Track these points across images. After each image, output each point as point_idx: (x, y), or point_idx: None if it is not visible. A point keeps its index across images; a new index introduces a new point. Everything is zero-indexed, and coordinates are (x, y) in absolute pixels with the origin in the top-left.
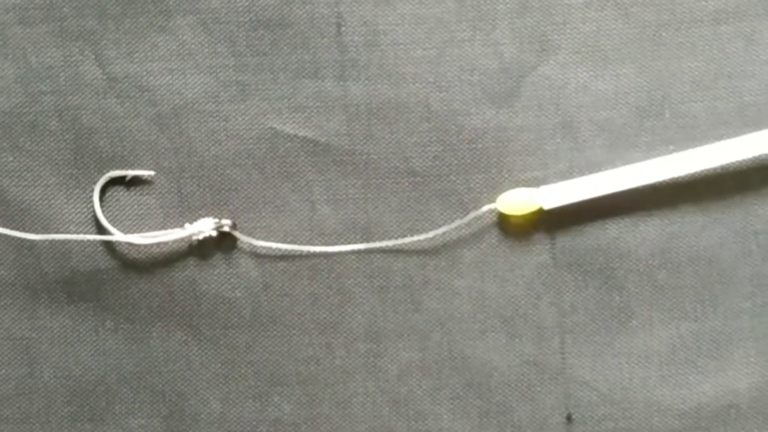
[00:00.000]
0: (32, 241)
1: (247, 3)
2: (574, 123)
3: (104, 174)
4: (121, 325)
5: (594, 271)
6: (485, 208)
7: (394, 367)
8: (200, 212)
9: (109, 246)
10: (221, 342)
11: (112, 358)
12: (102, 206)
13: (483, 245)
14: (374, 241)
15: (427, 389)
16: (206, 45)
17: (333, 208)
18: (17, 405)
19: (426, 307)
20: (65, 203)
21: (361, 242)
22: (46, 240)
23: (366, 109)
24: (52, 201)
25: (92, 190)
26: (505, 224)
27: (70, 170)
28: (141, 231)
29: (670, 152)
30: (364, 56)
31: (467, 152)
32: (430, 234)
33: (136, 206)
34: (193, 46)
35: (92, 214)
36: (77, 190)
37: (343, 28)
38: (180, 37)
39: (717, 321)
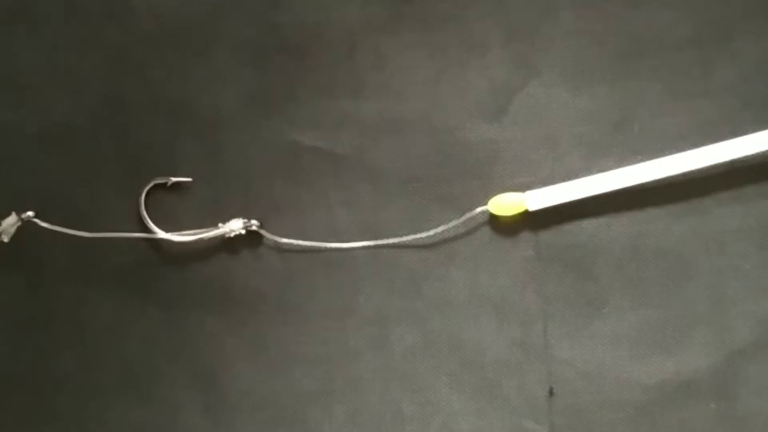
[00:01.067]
0: (87, 238)
1: (273, 33)
2: (556, 136)
3: (149, 180)
4: (163, 312)
5: (572, 265)
6: (478, 209)
7: (399, 347)
8: (231, 213)
9: (152, 243)
10: (249, 325)
11: (155, 341)
12: (146, 208)
13: (476, 242)
14: (382, 238)
15: (427, 367)
16: (238, 69)
17: (346, 210)
18: (71, 379)
19: (427, 295)
20: (115, 205)
21: (371, 239)
22: (99, 237)
23: (375, 124)
24: (105, 203)
25: (139, 195)
26: (495, 224)
27: (120, 177)
28: (180, 230)
29: (639, 161)
30: (373, 78)
31: (463, 161)
32: (431, 232)
33: (175, 208)
34: (227, 69)
35: (138, 214)
36: (126, 194)
37: (356, 54)
38: (216, 62)
39: (679, 308)
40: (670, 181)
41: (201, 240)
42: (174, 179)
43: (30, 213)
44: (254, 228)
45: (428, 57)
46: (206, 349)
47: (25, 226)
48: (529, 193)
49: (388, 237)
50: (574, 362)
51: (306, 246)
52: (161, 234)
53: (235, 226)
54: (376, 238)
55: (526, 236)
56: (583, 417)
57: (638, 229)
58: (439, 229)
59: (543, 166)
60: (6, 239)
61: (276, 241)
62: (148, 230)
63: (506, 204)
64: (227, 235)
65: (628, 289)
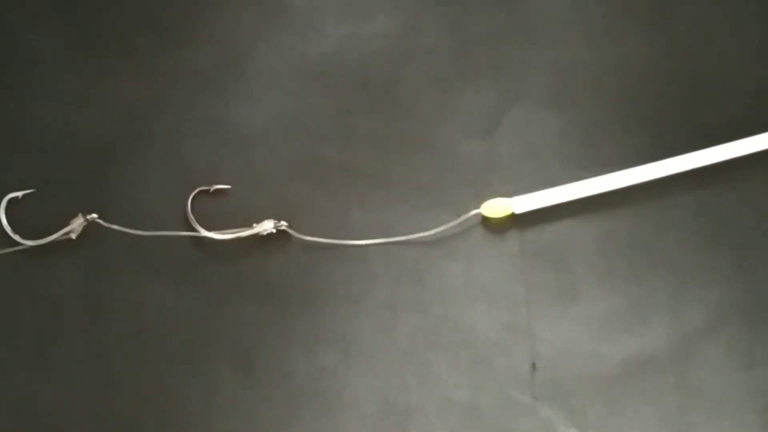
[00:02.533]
0: (142, 236)
1: (299, 63)
2: (537, 151)
3: (194, 187)
4: (206, 298)
5: (552, 259)
6: (472, 212)
7: (405, 329)
8: (264, 215)
9: (197, 240)
10: (279, 310)
11: (199, 322)
12: (192, 211)
13: (470, 240)
14: (391, 236)
15: (429, 345)
16: (270, 92)
17: (361, 212)
18: (129, 356)
19: (429, 284)
20: (166, 208)
21: (381, 237)
22: (152, 235)
23: (386, 140)
24: (157, 207)
25: (186, 199)
26: (486, 224)
27: (170, 185)
28: (220, 229)
29: (607, 172)
30: (384, 101)
31: (459, 171)
32: (432, 231)
33: (216, 211)
34: (260, 93)
35: (185, 216)
36: (175, 199)
37: (369, 81)
38: (251, 86)
39: (642, 295)
40: (633, 188)
41: (238, 238)
42: (215, 186)
43: (94, 215)
44: (283, 227)
45: (430, 84)
46: (242, 330)
47: (90, 226)
48: (515, 198)
49: (396, 235)
50: (553, 341)
51: (327, 243)
52: (204, 233)
53: (267, 226)
54: (386, 236)
55: (512, 235)
56: (561, 388)
57: (607, 229)
58: (439, 229)
59: (527, 175)
60: (74, 236)
61: (302, 239)
62: (194, 229)
63: (496, 207)
64: (260, 234)
65: (598, 280)
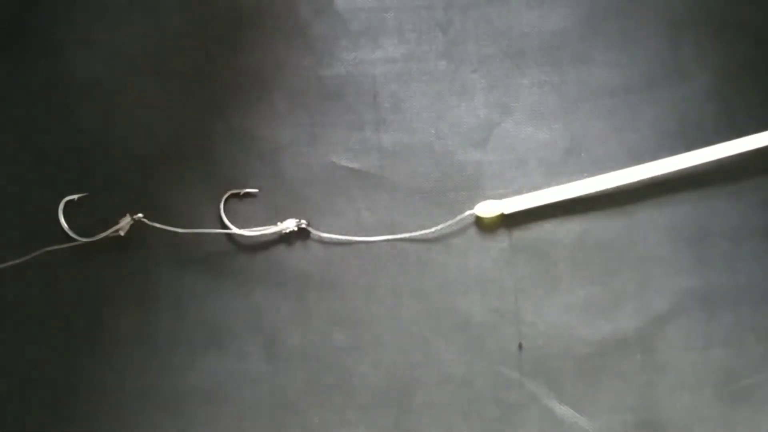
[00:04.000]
0: (181, 233)
1: (317, 84)
2: (524, 160)
3: (226, 191)
4: (237, 287)
5: (536, 253)
6: (467, 213)
7: (409, 313)
8: (286, 215)
9: (229, 237)
10: (299, 297)
11: (230, 307)
12: (225, 211)
13: (466, 236)
14: (397, 233)
15: (430, 328)
16: (292, 110)
17: (371, 213)
18: (170, 337)
19: (429, 275)
20: (202, 209)
21: (389, 234)
22: (190, 232)
23: (392, 150)
24: (194, 208)
25: (219, 201)
26: (480, 223)
27: (205, 189)
28: (249, 227)
29: (584, 178)
30: (390, 116)
31: (456, 177)
32: (432, 229)
33: (246, 211)
34: (282, 110)
35: (219, 215)
36: (210, 201)
37: (378, 99)
38: (275, 104)
39: (614, 285)
40: (607, 192)
41: (264, 234)
42: (245, 190)
43: (140, 214)
44: (303, 226)
45: (431, 101)
46: (268, 315)
47: (136, 224)
48: (504, 200)
49: (400, 232)
50: (537, 325)
51: (341, 239)
52: (235, 230)
53: (289, 225)
54: (392, 233)
55: (502, 232)
56: (544, 364)
57: (584, 228)
58: (438, 227)
59: (515, 181)
60: (122, 234)
61: (319, 236)
62: (226, 227)
63: (488, 209)
64: (284, 231)
65: (576, 272)
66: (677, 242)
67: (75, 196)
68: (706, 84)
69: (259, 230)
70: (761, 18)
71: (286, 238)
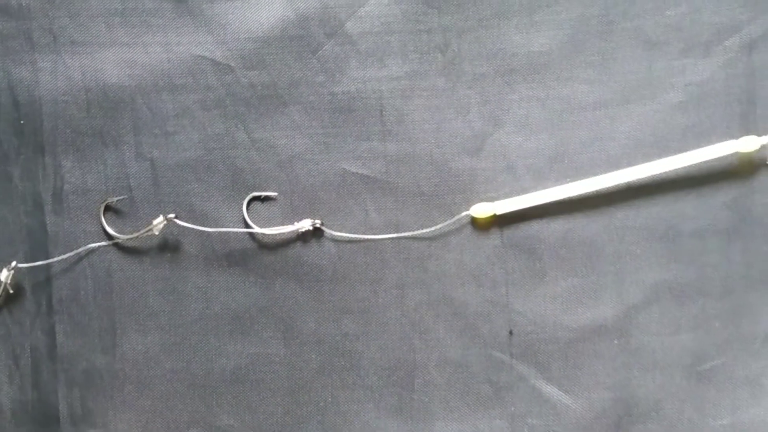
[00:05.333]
0: (209, 232)
1: (330, 99)
2: (514, 166)
3: (248, 194)
4: (258, 280)
5: (525, 249)
6: (463, 213)
7: (412, 303)
8: (302, 216)
9: (251, 235)
10: (314, 289)
11: (252, 298)
12: (248, 212)
13: (462, 235)
14: (401, 232)
15: (430, 316)
16: (305, 122)
17: (378, 214)
18: (199, 325)
19: (430, 269)
20: (227, 211)
21: (393, 233)
22: (217, 231)
23: (396, 158)
24: (221, 210)
25: (242, 203)
26: (474, 223)
27: (230, 193)
28: (269, 226)
29: (567, 182)
30: (395, 128)
31: (453, 182)
32: (432, 228)
33: (266, 212)
34: (298, 121)
35: (242, 216)
36: (234, 204)
37: (383, 112)
38: (291, 116)
39: (594, 278)
40: (588, 195)
41: (282, 233)
42: (265, 194)
43: (172, 215)
44: (318, 225)
45: (431, 114)
46: (286, 304)
47: (169, 224)
48: (496, 203)
49: (404, 231)
50: (525, 313)
51: (351, 237)
52: (257, 229)
53: (305, 224)
54: (397, 232)
55: (494, 231)
56: (531, 348)
57: (567, 227)
58: (438, 227)
59: (506, 185)
60: (156, 233)
61: (332, 234)
62: (249, 227)
63: (482, 210)
64: (300, 231)
65: (560, 266)
66: (650, 240)
67: (114, 199)
68: (675, 100)
69: (278, 229)
70: (723, 41)
71: (302, 237)
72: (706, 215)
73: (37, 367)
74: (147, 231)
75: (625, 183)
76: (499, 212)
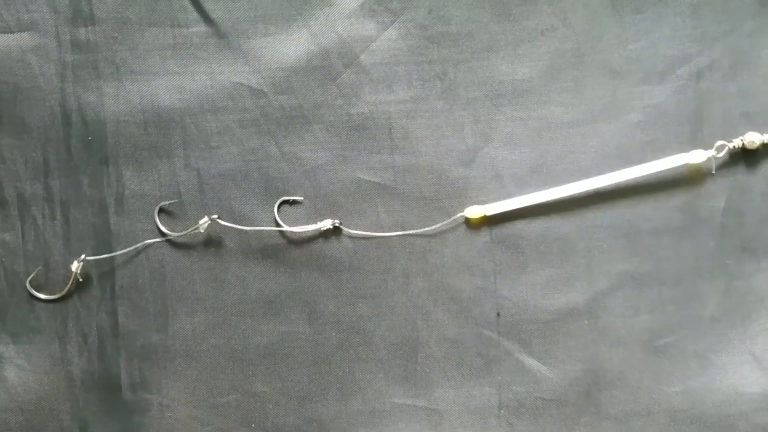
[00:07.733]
0: (246, 231)
1: (346, 119)
2: (501, 175)
3: (279, 198)
4: (287, 270)
5: (510, 245)
6: (459, 214)
7: (415, 289)
8: (324, 216)
9: (281, 233)
10: (333, 278)
11: (281, 285)
12: (278, 214)
13: (457, 233)
14: (407, 230)
15: (431, 300)
16: (326, 138)
17: (387, 215)
18: (238, 308)
19: (430, 262)
20: (261, 213)
21: (400, 231)
22: (252, 230)
23: (403, 168)
24: (255, 212)
25: (273, 206)
26: (468, 223)
27: (262, 197)
28: (296, 225)
29: (546, 189)
30: (402, 143)
31: (450, 189)
32: (432, 227)
33: (294, 214)
34: (320, 138)
35: (274, 217)
36: (266, 207)
37: (392, 130)
38: (314, 133)
39: (567, 268)
40: (563, 199)
41: (307, 231)
42: (293, 198)
43: (215, 216)
44: (337, 225)
45: (431, 132)
46: (310, 291)
47: (212, 224)
48: (486, 205)
49: (409, 229)
50: (510, 298)
51: (365, 235)
52: (286, 228)
53: (326, 224)
54: (403, 230)
55: (485, 229)
56: (516, 328)
57: (546, 226)
58: (437, 226)
59: (494, 191)
60: (202, 231)
61: (349, 232)
62: (279, 226)
63: (474, 212)
64: (322, 229)
65: (540, 258)
66: (615, 237)
67: (166, 202)
68: (636, 119)
69: (303, 228)
70: (675, 70)
71: (323, 234)
72: (661, 216)
73: (102, 344)
74: (194, 229)
75: (594, 189)
76: (488, 213)
